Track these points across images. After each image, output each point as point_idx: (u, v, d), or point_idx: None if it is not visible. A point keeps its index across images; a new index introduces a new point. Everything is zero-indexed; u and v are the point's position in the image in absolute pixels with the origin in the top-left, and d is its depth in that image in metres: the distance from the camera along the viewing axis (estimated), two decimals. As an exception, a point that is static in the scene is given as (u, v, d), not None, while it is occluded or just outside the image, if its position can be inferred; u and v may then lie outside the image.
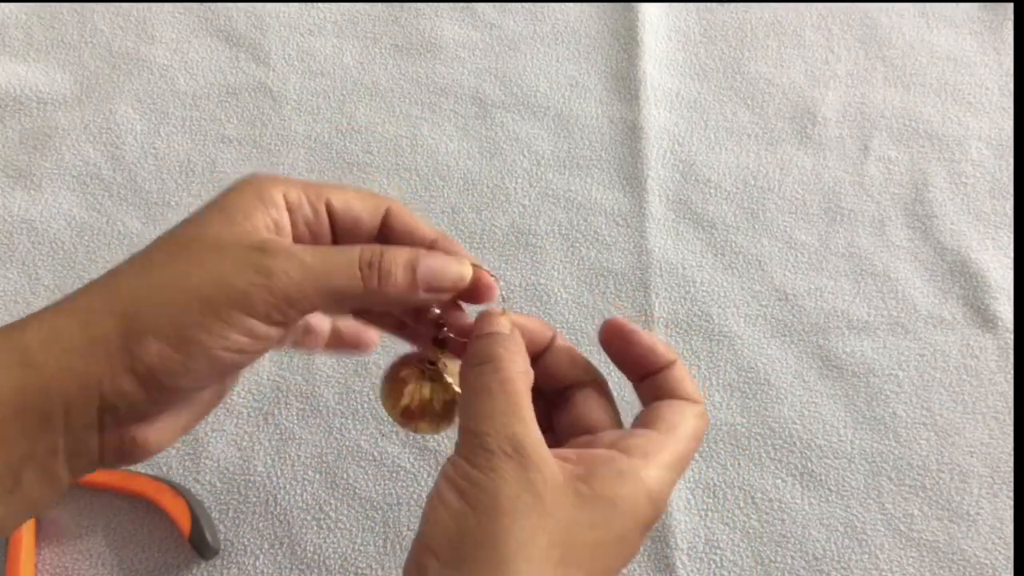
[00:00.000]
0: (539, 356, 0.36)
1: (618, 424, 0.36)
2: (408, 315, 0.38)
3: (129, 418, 0.30)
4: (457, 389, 0.35)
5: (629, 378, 0.36)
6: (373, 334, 0.41)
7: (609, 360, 0.36)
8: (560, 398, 0.36)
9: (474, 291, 0.35)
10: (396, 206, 0.35)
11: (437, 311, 0.36)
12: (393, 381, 0.36)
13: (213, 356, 0.30)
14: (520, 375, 0.32)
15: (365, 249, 0.32)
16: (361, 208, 0.35)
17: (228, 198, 0.33)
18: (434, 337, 0.37)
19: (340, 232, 0.35)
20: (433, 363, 0.36)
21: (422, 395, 0.36)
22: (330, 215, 0.34)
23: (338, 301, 0.32)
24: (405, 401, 0.36)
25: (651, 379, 0.35)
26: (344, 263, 0.32)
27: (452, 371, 0.36)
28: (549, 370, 0.36)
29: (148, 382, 0.29)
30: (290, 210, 0.33)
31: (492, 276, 0.36)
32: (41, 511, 0.32)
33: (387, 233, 0.35)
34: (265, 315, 0.30)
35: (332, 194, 0.34)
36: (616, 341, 0.35)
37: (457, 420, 0.34)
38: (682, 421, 0.33)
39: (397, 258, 0.32)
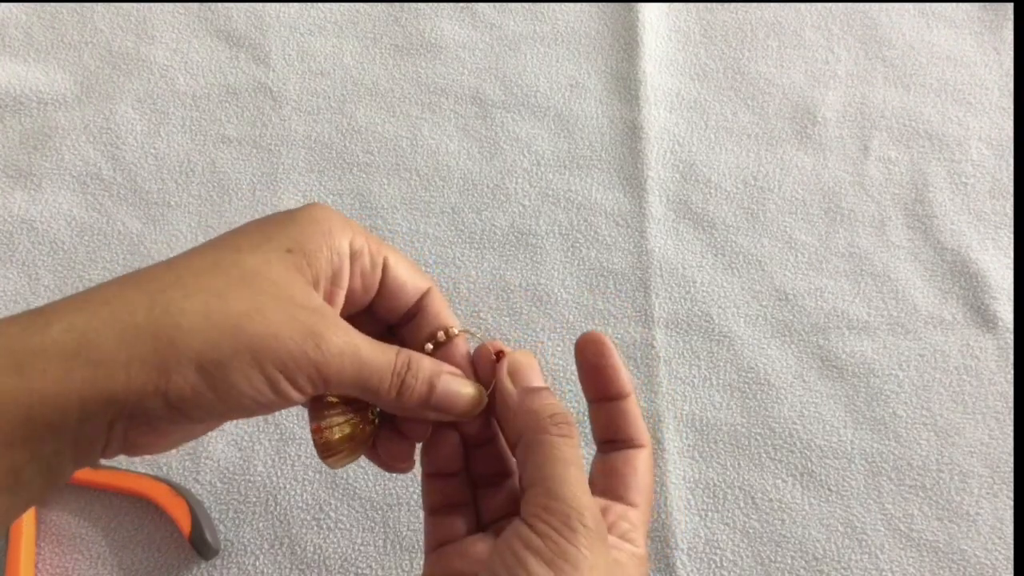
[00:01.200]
0: (490, 441, 0.37)
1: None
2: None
3: (141, 425, 0.30)
4: (361, 451, 0.35)
5: (588, 396, 0.37)
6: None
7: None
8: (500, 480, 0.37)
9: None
10: (435, 290, 0.36)
11: None
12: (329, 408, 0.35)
13: (240, 402, 0.30)
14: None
15: (399, 357, 0.33)
16: (409, 277, 0.35)
17: (296, 235, 0.32)
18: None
19: (384, 292, 0.35)
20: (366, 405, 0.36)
21: (339, 435, 0.35)
22: (383, 272, 0.35)
23: (364, 395, 0.32)
24: (330, 436, 0.35)
25: (607, 404, 0.36)
26: (382, 367, 0.32)
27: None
28: (504, 453, 0.37)
29: (173, 407, 0.29)
30: (352, 258, 0.33)
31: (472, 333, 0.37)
32: (39, 503, 0.32)
33: (415, 310, 0.36)
34: (300, 384, 0.30)
35: (390, 254, 0.35)
36: (591, 351, 0.36)
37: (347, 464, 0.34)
38: (646, 484, 0.35)
39: (420, 371, 0.33)
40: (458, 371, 0.35)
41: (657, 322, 0.56)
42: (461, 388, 0.34)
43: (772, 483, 0.52)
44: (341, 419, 0.34)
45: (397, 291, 0.35)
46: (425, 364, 0.33)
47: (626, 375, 0.36)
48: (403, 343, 0.35)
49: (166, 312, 0.29)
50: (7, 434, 0.27)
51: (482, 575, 0.31)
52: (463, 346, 0.36)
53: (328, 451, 0.34)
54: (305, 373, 0.30)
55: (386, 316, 0.36)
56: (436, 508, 0.36)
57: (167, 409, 0.29)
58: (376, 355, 0.32)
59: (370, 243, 0.34)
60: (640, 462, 0.36)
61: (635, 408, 0.36)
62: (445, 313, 0.36)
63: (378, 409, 0.35)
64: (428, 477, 0.36)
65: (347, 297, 0.34)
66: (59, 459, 0.29)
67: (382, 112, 0.63)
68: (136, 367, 0.28)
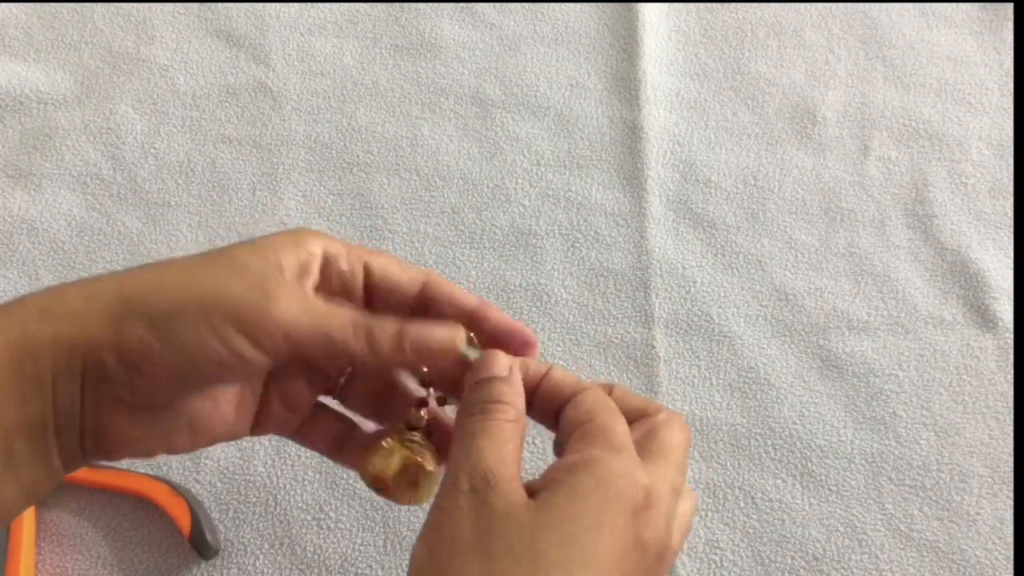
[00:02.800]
0: (536, 387, 0.36)
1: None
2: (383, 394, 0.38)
3: (109, 397, 0.31)
4: (429, 467, 0.35)
5: (550, 427, 0.36)
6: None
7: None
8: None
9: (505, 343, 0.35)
10: (435, 277, 0.36)
11: (424, 369, 0.36)
12: (371, 446, 0.36)
13: (189, 355, 0.31)
14: (509, 423, 0.32)
15: (356, 316, 0.33)
16: (398, 274, 0.35)
17: (264, 237, 0.34)
18: (417, 400, 0.37)
19: (375, 296, 0.35)
20: (414, 428, 0.36)
21: (391, 467, 0.35)
22: (368, 277, 0.35)
23: (330, 350, 0.32)
24: (374, 470, 0.35)
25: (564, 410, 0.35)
26: (341, 316, 0.32)
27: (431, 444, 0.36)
28: (551, 394, 0.35)
29: (126, 361, 0.30)
30: (328, 262, 0.34)
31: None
32: (37, 498, 0.33)
33: (426, 302, 0.36)
34: (255, 338, 0.31)
35: (371, 257, 0.35)
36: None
37: (430, 495, 0.34)
38: (669, 443, 0.33)
39: (386, 322, 0.33)
40: (426, 320, 0.34)
41: (657, 322, 0.56)
42: (432, 330, 0.33)
43: (772, 483, 0.52)
44: (384, 454, 0.35)
45: (392, 288, 0.35)
46: (389, 318, 0.33)
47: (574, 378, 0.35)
48: None
49: (128, 278, 0.32)
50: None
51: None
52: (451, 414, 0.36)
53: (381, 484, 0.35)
54: (255, 322, 0.31)
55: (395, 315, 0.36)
56: None
57: (120, 365, 0.30)
58: (333, 308, 0.32)
59: (348, 250, 0.35)
60: (666, 423, 0.34)
61: (627, 392, 0.35)
62: (457, 294, 0.36)
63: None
64: None
65: (328, 297, 0.34)
66: (44, 434, 0.31)
67: (382, 112, 0.63)
68: (94, 320, 0.31)
